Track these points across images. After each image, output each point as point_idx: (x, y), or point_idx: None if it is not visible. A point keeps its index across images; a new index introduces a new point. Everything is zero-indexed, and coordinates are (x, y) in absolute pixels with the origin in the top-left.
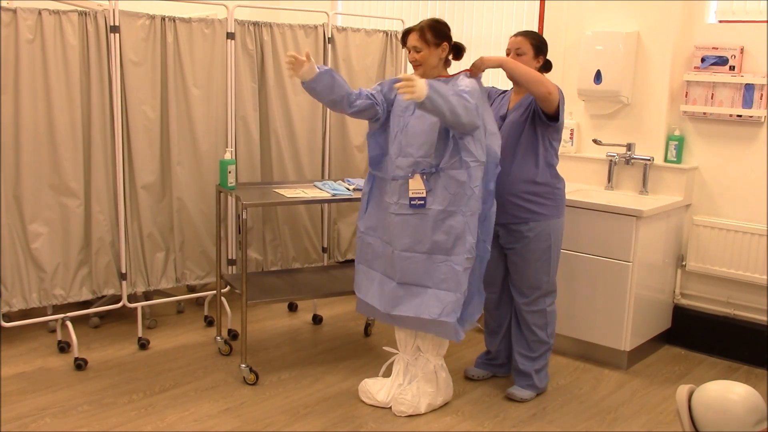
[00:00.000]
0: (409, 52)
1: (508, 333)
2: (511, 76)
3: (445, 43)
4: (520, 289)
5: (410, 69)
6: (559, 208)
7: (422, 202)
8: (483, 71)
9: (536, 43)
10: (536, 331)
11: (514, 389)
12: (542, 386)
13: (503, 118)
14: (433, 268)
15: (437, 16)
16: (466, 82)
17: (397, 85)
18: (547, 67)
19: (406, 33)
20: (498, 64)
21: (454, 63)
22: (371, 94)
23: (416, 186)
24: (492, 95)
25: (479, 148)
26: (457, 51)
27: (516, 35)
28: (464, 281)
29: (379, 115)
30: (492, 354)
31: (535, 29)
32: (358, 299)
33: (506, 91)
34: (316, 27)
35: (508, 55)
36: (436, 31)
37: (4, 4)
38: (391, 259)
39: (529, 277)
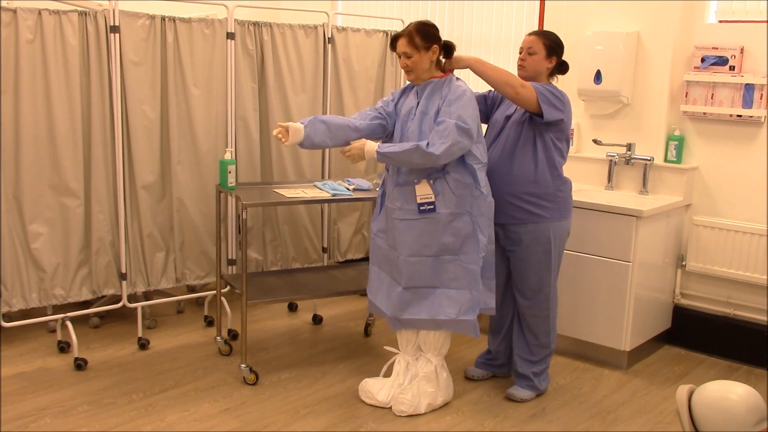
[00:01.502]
0: (399, 58)
1: (510, 333)
2: (482, 78)
3: (435, 46)
4: (521, 291)
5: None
6: (561, 211)
7: (432, 206)
8: (453, 71)
9: (549, 43)
10: (538, 336)
11: (514, 389)
12: (542, 388)
13: (509, 117)
14: (442, 268)
15: (436, 16)
16: (463, 89)
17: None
18: (562, 68)
19: (395, 39)
20: (466, 65)
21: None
22: (380, 109)
23: (424, 191)
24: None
25: (481, 149)
26: (447, 50)
27: (530, 34)
28: (479, 279)
29: (389, 128)
30: (492, 354)
31: (536, 29)
32: (369, 300)
33: None
34: (316, 27)
35: (520, 53)
36: (425, 35)
37: (4, 4)
38: (397, 264)
39: (530, 280)
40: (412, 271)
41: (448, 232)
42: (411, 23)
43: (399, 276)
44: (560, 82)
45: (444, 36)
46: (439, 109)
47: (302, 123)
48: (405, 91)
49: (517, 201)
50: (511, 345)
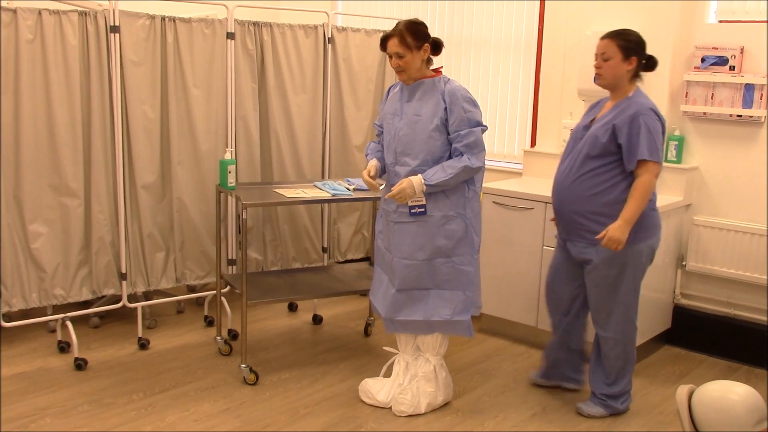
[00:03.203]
0: (390, 58)
1: (566, 350)
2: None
3: (426, 44)
4: (591, 311)
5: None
6: (640, 233)
7: (423, 209)
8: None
9: (625, 44)
10: (609, 358)
11: (585, 404)
12: (620, 409)
13: (587, 127)
14: (434, 270)
15: (436, 16)
16: (463, 90)
17: (387, 196)
18: (648, 65)
19: (385, 39)
20: (628, 228)
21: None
22: (377, 123)
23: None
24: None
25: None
26: (436, 47)
27: (603, 37)
28: (474, 279)
29: None
30: (549, 366)
31: (535, 30)
32: (370, 299)
33: (600, 101)
34: (316, 27)
35: (596, 59)
36: (416, 34)
37: (4, 4)
38: (392, 265)
39: (599, 304)
40: (406, 274)
41: (441, 235)
42: (400, 22)
43: (394, 278)
44: (561, 82)
45: (444, 36)
46: (437, 115)
47: (371, 158)
48: (389, 94)
49: (584, 220)
50: (570, 356)
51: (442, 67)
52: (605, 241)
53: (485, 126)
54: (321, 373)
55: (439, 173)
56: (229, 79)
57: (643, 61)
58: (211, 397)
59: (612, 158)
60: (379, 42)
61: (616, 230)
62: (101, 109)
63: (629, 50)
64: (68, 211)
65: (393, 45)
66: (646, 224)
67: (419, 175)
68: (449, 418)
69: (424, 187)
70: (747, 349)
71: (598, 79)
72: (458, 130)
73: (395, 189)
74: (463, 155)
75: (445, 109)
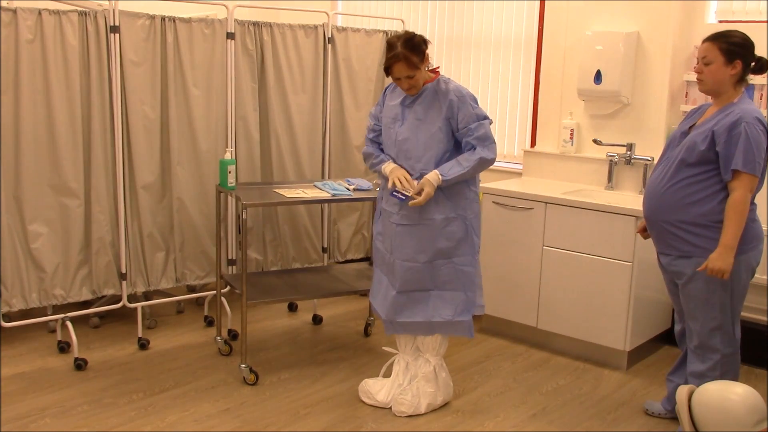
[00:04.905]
0: (398, 80)
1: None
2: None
3: (426, 54)
4: (688, 331)
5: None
6: (741, 245)
7: (403, 197)
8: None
9: (727, 47)
10: (689, 380)
11: (652, 402)
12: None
13: (685, 134)
14: (435, 271)
15: (436, 16)
16: (463, 89)
17: (411, 204)
18: (757, 68)
19: (389, 66)
20: (729, 254)
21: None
22: (376, 124)
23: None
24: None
25: None
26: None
27: (705, 39)
28: (475, 280)
29: None
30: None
31: (535, 29)
32: (370, 301)
33: (701, 106)
34: (316, 27)
35: (697, 63)
36: (417, 50)
37: (4, 4)
38: (393, 267)
39: (692, 322)
40: (407, 276)
41: (442, 237)
42: (396, 44)
43: (394, 279)
44: (561, 82)
45: (445, 36)
46: (440, 116)
47: (387, 159)
48: (386, 95)
49: (676, 230)
50: None
51: (438, 67)
52: (708, 272)
53: (491, 119)
54: (321, 373)
55: (456, 167)
56: (229, 79)
57: (752, 64)
58: (211, 397)
59: (710, 167)
60: (379, 42)
61: (717, 260)
62: (101, 110)
63: (732, 53)
64: (68, 211)
65: (401, 70)
66: (745, 236)
67: (435, 171)
68: (449, 418)
69: (442, 183)
70: (747, 349)
71: (699, 85)
72: (468, 125)
73: (422, 197)
74: (476, 148)
75: (449, 107)
